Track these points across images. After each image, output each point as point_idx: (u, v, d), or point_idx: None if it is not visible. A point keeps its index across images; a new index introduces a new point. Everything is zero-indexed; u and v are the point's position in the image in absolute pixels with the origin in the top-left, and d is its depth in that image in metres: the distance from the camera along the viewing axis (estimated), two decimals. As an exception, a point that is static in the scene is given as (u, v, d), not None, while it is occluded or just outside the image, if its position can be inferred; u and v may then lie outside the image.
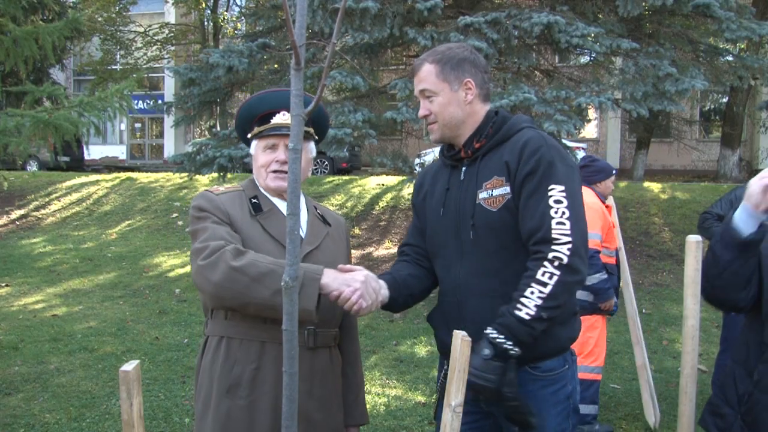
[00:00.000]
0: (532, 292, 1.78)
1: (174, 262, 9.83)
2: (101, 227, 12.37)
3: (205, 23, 22.92)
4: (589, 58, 8.62)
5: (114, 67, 23.17)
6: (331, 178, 15.16)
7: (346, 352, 2.15)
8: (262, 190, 2.07)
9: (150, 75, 25.40)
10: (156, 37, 23.21)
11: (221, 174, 8.21)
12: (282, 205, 2.04)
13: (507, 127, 1.99)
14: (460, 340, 1.55)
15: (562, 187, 1.84)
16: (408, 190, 12.73)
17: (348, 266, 1.91)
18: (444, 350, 2.08)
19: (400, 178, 13.94)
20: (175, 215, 12.77)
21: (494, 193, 1.91)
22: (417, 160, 12.97)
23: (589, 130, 22.46)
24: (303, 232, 2.04)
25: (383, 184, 13.90)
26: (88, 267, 9.55)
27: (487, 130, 2.00)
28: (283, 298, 1.44)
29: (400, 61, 12.80)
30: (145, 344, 5.94)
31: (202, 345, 2.02)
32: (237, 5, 23.56)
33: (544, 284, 1.77)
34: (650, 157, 18.52)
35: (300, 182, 1.41)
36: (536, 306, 1.76)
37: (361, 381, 2.22)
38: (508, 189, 1.90)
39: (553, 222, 1.81)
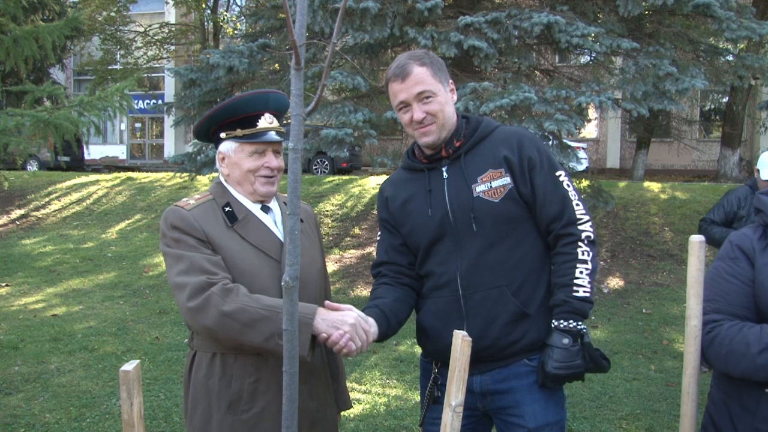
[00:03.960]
0: (581, 272, 1.93)
1: (174, 262, 9.82)
2: (101, 227, 12.37)
3: (205, 23, 22.90)
4: (589, 57, 8.61)
5: (114, 66, 23.15)
6: (331, 178, 15.16)
7: None
8: (235, 195, 2.00)
9: (150, 75, 25.38)
10: (156, 37, 23.20)
11: (221, 174, 8.20)
12: (256, 209, 2.00)
13: (483, 126, 2.06)
14: (461, 339, 1.55)
15: (564, 173, 2.02)
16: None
17: (336, 305, 1.87)
18: (438, 355, 2.05)
19: (400, 177, 13.90)
20: (175, 215, 12.76)
21: (493, 184, 1.97)
22: (417, 160, 12.96)
23: (590, 130, 22.47)
24: (280, 233, 2.00)
25: (383, 184, 13.87)
26: (88, 267, 9.55)
27: (463, 130, 2.05)
28: (283, 298, 1.44)
29: (400, 61, 12.78)
30: (145, 344, 5.94)
31: (189, 360, 1.96)
32: (237, 5, 23.55)
33: (586, 261, 1.94)
34: (650, 157, 18.53)
35: (300, 182, 1.41)
36: (589, 282, 1.93)
37: (342, 369, 2.25)
38: (509, 179, 1.97)
39: (573, 204, 1.98)
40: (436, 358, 2.09)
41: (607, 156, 22.83)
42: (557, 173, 1.99)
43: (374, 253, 2.24)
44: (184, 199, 2.01)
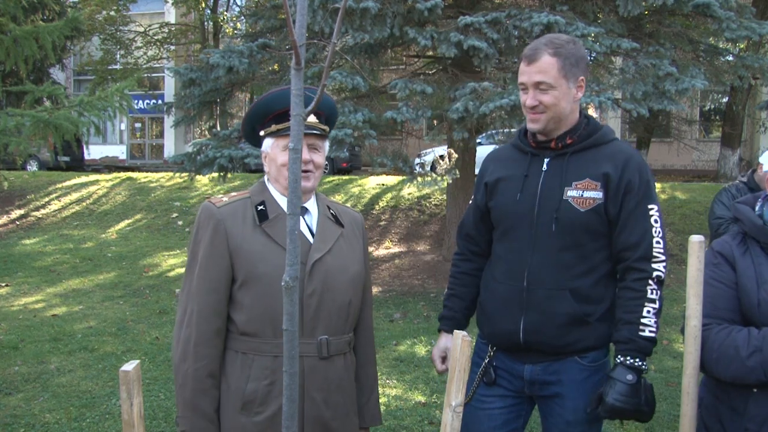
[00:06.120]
0: (648, 311, 1.95)
1: (174, 262, 9.83)
2: (101, 227, 12.37)
3: (205, 23, 22.89)
4: (589, 57, 8.62)
5: (114, 66, 23.14)
6: (331, 178, 15.15)
7: (360, 355, 2.12)
8: (273, 193, 1.99)
9: (150, 75, 25.38)
10: (156, 37, 23.19)
11: (221, 174, 8.21)
12: None
13: (600, 134, 2.07)
14: (461, 339, 1.55)
15: (656, 207, 2.02)
16: (408, 190, 12.73)
17: None
18: (494, 338, 2.15)
19: (400, 178, 13.93)
20: (175, 215, 12.77)
21: (585, 194, 1.99)
22: (417, 160, 12.96)
23: (589, 130, 22.41)
24: (312, 237, 1.97)
25: (383, 184, 13.89)
26: (88, 267, 9.55)
27: (580, 130, 2.07)
28: (283, 298, 1.44)
29: (400, 61, 12.80)
30: (145, 344, 5.94)
31: None
32: (237, 5, 23.54)
33: (654, 301, 1.96)
34: (650, 157, 18.51)
35: (300, 182, 1.40)
36: (655, 323, 1.96)
37: (374, 383, 2.19)
38: (601, 195, 1.99)
39: (654, 240, 1.98)
40: (492, 341, 2.16)
41: (607, 156, 22.79)
42: (650, 206, 2.00)
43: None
44: (220, 195, 2.03)
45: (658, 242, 1.99)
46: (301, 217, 1.99)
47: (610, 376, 1.96)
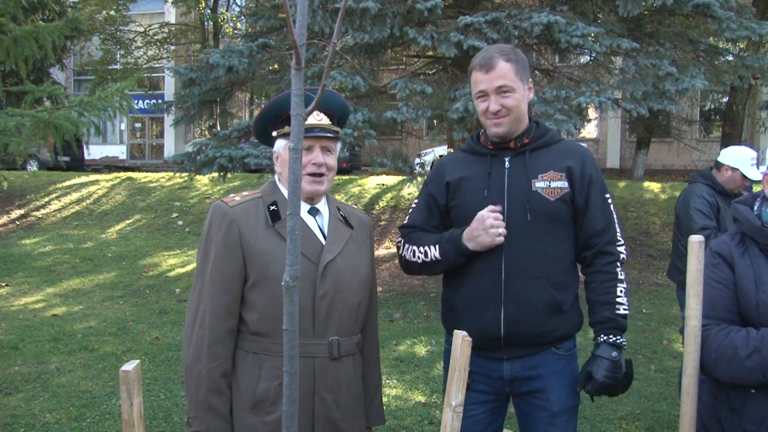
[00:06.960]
0: (621, 291, 2.10)
1: (174, 262, 9.83)
2: (101, 227, 12.38)
3: (205, 23, 22.90)
4: (589, 57, 8.62)
5: (114, 66, 23.14)
6: (331, 178, 15.15)
7: (366, 356, 2.13)
8: (285, 194, 1.97)
9: (150, 75, 25.37)
10: (156, 37, 23.19)
11: (221, 174, 8.21)
12: (303, 211, 1.97)
13: (551, 134, 2.21)
14: (461, 339, 1.55)
15: (611, 196, 2.20)
16: (408, 190, 12.73)
17: None
18: (473, 337, 2.11)
19: (400, 178, 13.94)
20: (175, 215, 12.77)
21: (552, 184, 2.10)
22: (417, 160, 12.98)
23: (589, 130, 22.46)
24: (324, 238, 1.98)
25: (383, 184, 13.90)
26: (88, 267, 9.55)
27: (533, 131, 2.18)
28: (283, 298, 1.44)
29: (400, 61, 12.81)
30: (145, 344, 5.94)
31: None
32: (237, 5, 23.55)
33: (623, 281, 2.13)
34: (650, 157, 18.53)
35: (300, 182, 1.40)
36: (626, 300, 2.11)
37: (378, 383, 2.20)
38: (566, 184, 2.11)
39: (615, 226, 2.17)
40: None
41: (607, 156, 22.83)
42: (606, 195, 2.17)
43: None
44: (232, 195, 2.02)
45: (618, 228, 2.17)
46: (313, 218, 2.00)
47: (596, 354, 2.06)
